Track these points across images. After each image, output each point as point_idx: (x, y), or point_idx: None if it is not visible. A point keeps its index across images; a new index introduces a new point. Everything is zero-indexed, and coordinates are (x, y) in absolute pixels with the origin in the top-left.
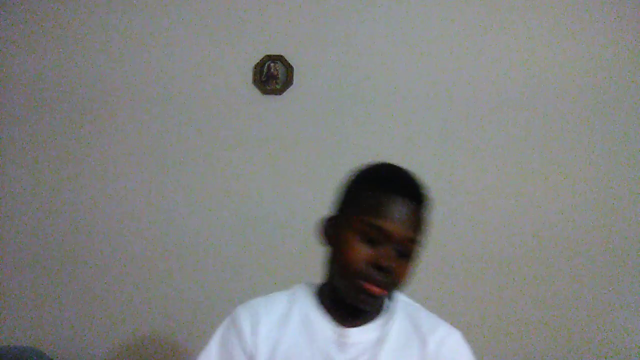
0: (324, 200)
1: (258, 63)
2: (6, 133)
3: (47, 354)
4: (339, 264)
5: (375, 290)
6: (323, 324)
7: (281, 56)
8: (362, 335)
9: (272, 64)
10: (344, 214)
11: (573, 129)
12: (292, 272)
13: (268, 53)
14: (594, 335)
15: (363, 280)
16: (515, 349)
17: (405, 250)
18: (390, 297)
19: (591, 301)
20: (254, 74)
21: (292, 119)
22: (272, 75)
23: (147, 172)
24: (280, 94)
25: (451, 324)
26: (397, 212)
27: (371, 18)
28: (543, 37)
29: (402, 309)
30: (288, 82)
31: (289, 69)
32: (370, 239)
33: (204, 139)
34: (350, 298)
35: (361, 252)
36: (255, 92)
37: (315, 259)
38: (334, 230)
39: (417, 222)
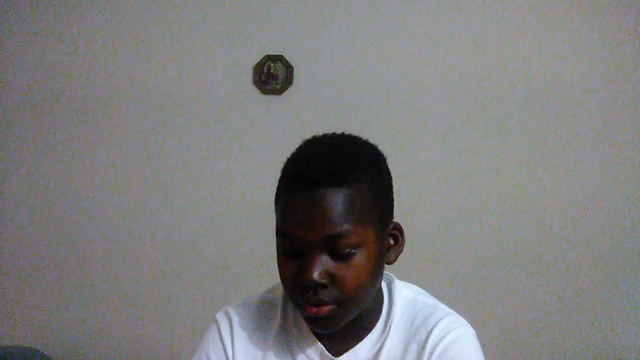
0: None
1: (258, 63)
2: (6, 133)
3: (47, 354)
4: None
5: (313, 311)
6: (309, 351)
7: (281, 56)
8: None
9: (272, 64)
10: None
11: (573, 129)
12: None
13: (268, 53)
14: (594, 335)
15: (301, 302)
16: (515, 348)
17: (337, 250)
18: (350, 311)
19: (591, 301)
20: (254, 74)
21: (292, 119)
22: (272, 75)
23: (147, 172)
24: (280, 94)
25: None
26: (303, 213)
27: (371, 18)
28: (544, 37)
29: (400, 310)
30: (288, 82)
31: (289, 69)
32: (291, 252)
33: (204, 138)
34: (307, 324)
35: (287, 270)
36: (255, 92)
37: None
38: None
39: (337, 212)
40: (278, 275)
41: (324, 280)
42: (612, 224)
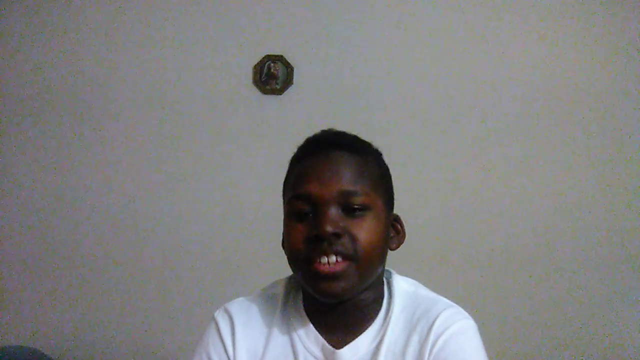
0: None
1: (258, 63)
2: (6, 133)
3: (47, 354)
4: (288, 261)
5: (325, 269)
6: (309, 344)
7: (281, 56)
8: (353, 355)
9: (272, 64)
10: (283, 211)
11: (573, 129)
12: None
13: (268, 53)
14: (595, 333)
15: (310, 263)
16: (515, 347)
17: (350, 206)
18: (362, 273)
19: (592, 299)
20: (254, 74)
21: (292, 119)
22: (272, 75)
23: (147, 171)
24: (280, 94)
25: None
26: (319, 170)
27: (371, 18)
28: (544, 37)
29: (401, 303)
30: (288, 82)
31: (289, 69)
32: (304, 214)
33: (204, 138)
34: (315, 293)
35: (297, 232)
36: (255, 92)
37: None
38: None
39: (351, 172)
40: (277, 277)
41: (337, 230)
42: (613, 223)
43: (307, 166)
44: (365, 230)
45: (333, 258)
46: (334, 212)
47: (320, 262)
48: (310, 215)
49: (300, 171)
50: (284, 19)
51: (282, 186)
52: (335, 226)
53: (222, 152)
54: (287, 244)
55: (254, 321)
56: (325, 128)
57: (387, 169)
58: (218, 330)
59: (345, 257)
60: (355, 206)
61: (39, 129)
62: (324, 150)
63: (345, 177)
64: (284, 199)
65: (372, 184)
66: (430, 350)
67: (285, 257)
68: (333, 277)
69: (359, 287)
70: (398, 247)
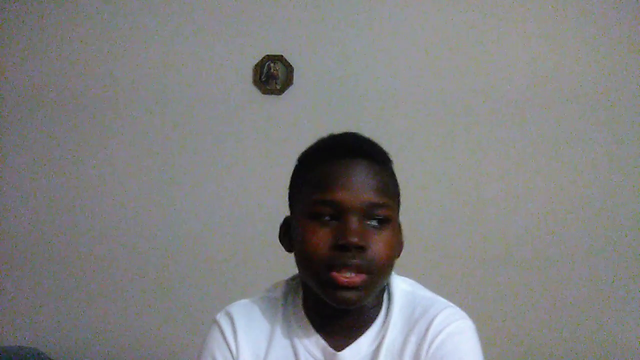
0: None
1: (258, 63)
2: (6, 133)
3: (47, 354)
4: (302, 262)
5: (345, 280)
6: (311, 347)
7: (281, 56)
8: (354, 357)
9: (272, 64)
10: (295, 207)
11: (574, 128)
12: (292, 272)
13: (268, 53)
14: (594, 335)
15: (330, 270)
16: (514, 348)
17: (374, 218)
18: (376, 285)
19: (591, 300)
20: (254, 74)
21: (292, 119)
22: (272, 75)
23: (147, 172)
24: (280, 94)
25: None
26: (347, 178)
27: (371, 18)
28: (543, 38)
29: (399, 303)
30: (288, 82)
31: (289, 69)
32: (327, 218)
33: (204, 138)
34: (328, 299)
35: (319, 236)
36: (255, 92)
37: None
38: (291, 230)
39: (377, 183)
40: (277, 277)
41: (363, 243)
42: (614, 223)
43: (332, 171)
44: (385, 245)
45: (354, 271)
46: (359, 222)
47: (340, 272)
48: (331, 220)
49: (323, 175)
50: (284, 19)
51: (283, 185)
52: (361, 238)
53: (222, 152)
54: (306, 246)
55: (256, 324)
56: (324, 127)
57: (397, 179)
58: (222, 332)
59: (365, 270)
60: (379, 218)
61: (39, 129)
62: (348, 157)
63: (372, 188)
64: (296, 198)
65: (392, 196)
66: (427, 350)
67: (285, 255)
68: (350, 287)
69: (371, 295)
70: (399, 255)
